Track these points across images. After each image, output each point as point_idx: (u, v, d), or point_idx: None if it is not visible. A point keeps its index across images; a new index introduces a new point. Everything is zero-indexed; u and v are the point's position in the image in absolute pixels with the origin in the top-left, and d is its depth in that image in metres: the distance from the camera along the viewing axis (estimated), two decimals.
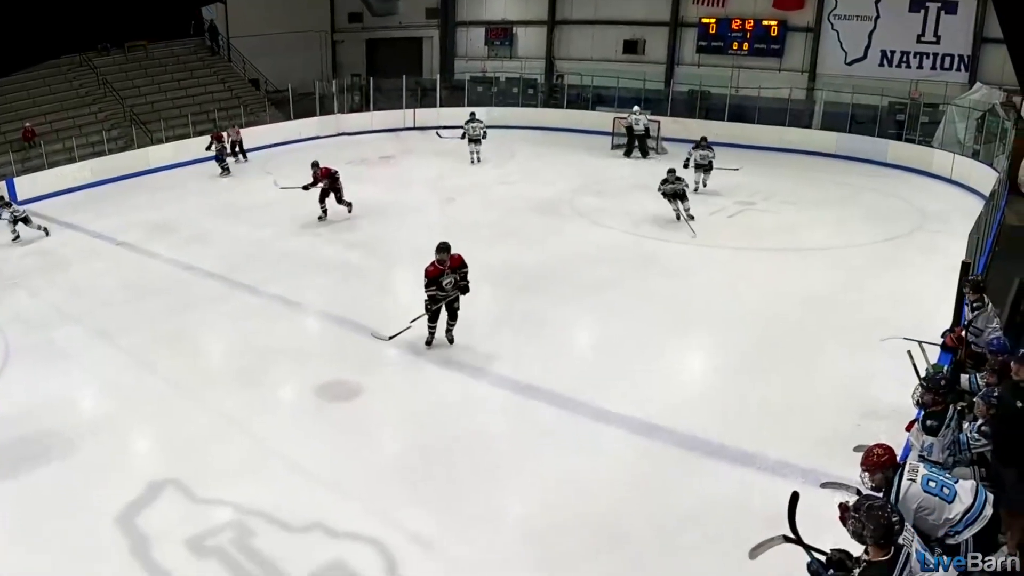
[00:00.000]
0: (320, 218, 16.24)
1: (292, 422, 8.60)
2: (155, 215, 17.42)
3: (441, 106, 24.52)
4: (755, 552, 4.72)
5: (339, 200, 16.24)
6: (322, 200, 16.10)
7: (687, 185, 15.71)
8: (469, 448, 7.76)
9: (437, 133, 23.47)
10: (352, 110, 25.22)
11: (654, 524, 6.67)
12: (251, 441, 8.23)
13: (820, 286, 12.20)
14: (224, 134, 22.15)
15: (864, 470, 4.77)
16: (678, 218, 15.53)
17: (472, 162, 21.19)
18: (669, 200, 15.48)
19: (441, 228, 14.68)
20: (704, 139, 18.00)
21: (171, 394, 9.40)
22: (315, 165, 16.27)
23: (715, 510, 6.85)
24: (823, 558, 4.38)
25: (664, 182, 15.42)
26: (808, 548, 4.46)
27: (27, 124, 21.85)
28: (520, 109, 24.94)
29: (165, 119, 23.84)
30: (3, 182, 18.54)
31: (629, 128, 22.05)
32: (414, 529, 6.56)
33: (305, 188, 16.04)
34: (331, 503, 7.01)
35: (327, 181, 16.02)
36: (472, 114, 21.49)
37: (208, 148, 21.60)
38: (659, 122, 22.91)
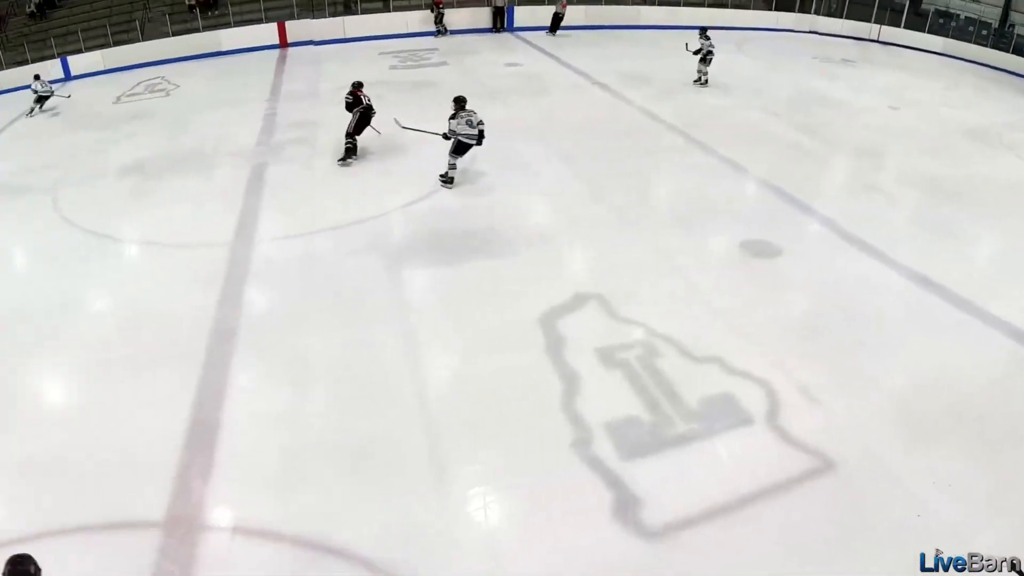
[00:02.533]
0: None
1: (715, 266, 8.79)
2: (635, 66, 18.49)
3: (904, 27, 23.54)
4: None
5: None
6: None
7: None
8: (862, 322, 7.54)
9: None
10: (827, 14, 25.31)
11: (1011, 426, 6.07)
12: (675, 275, 8.49)
13: None
14: None
15: None
16: None
17: None
18: None
19: (883, 131, 13.82)
20: None
21: (614, 222, 9.88)
22: None
23: None
24: None
25: None
26: None
27: None
28: (966, 44, 22.18)
29: None
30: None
31: None
32: (801, 380, 6.54)
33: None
34: (733, 343, 7.10)
35: None
36: None
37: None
38: None
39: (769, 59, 20.18)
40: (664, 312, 7.56)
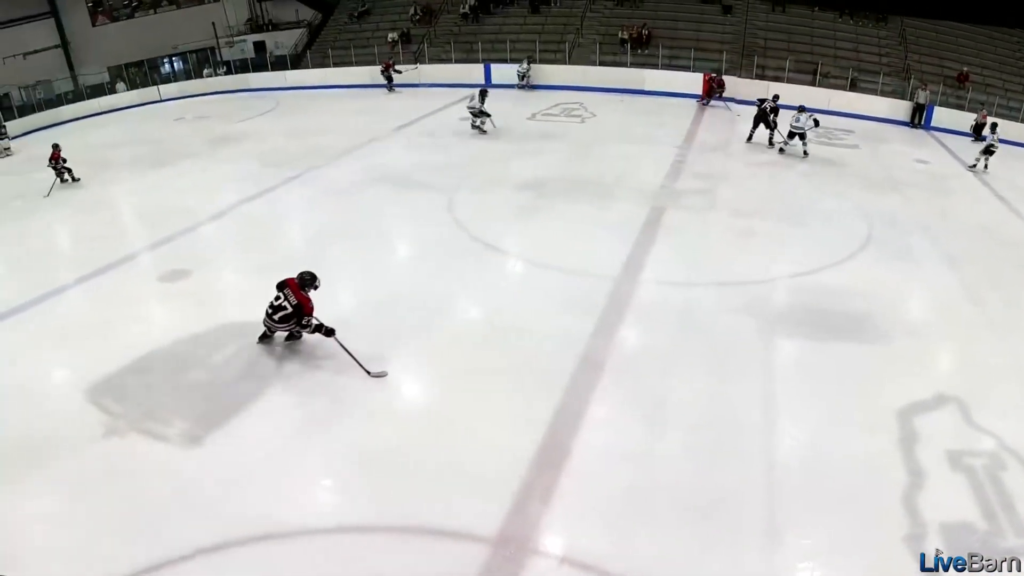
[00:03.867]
0: None
1: None
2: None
3: None
4: None
5: None
6: None
7: None
8: None
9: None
10: None
11: None
12: None
13: None
14: None
15: None
16: None
17: None
18: None
19: None
20: None
21: (987, 328, 9.54)
22: None
23: None
24: None
25: None
26: None
27: (965, 69, 23.64)
28: None
29: None
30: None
31: None
32: None
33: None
34: None
35: None
36: None
37: None
38: None
39: None
40: (1019, 426, 7.38)
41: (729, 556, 5.53)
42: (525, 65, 24.61)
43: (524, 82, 24.66)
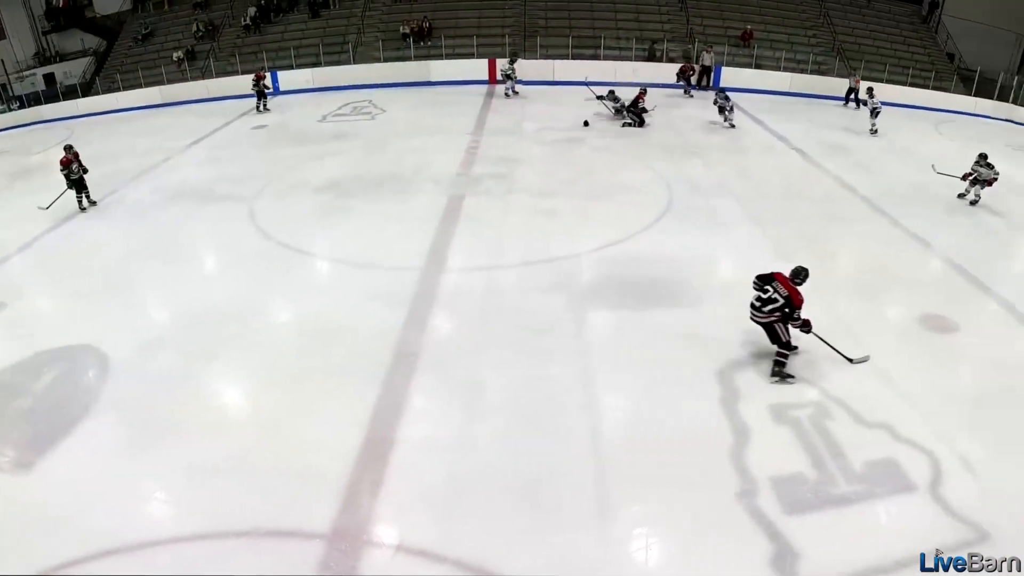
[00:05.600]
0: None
1: (891, 336, 8.80)
2: (831, 135, 18.38)
3: None
4: None
5: None
6: None
7: None
8: None
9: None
10: None
11: None
12: (853, 340, 8.34)
13: None
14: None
15: None
16: None
17: None
18: None
19: None
20: None
21: None
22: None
23: None
24: None
25: None
26: None
27: (749, 27, 24.89)
28: None
29: (868, 60, 24.84)
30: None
31: None
32: (965, 453, 6.54)
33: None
34: (903, 411, 7.14)
35: None
36: None
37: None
38: None
39: (965, 142, 19.17)
40: (838, 375, 7.69)
41: (560, 532, 5.62)
42: (508, 65, 22.31)
43: (509, 85, 22.24)
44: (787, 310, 7.56)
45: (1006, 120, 23.58)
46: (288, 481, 6.11)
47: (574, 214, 12.19)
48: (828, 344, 7.96)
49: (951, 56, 27.93)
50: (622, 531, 5.73)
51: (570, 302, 9.18)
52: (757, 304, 7.77)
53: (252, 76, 21.78)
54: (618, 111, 18.69)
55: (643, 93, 18.90)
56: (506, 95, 21.81)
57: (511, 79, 21.85)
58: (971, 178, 13.43)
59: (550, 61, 23.83)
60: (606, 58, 24.17)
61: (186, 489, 6.16)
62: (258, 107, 21.32)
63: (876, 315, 9.25)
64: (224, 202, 13.08)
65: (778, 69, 23.68)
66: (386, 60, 24.64)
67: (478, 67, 23.93)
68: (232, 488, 6.07)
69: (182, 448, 6.60)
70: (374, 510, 5.85)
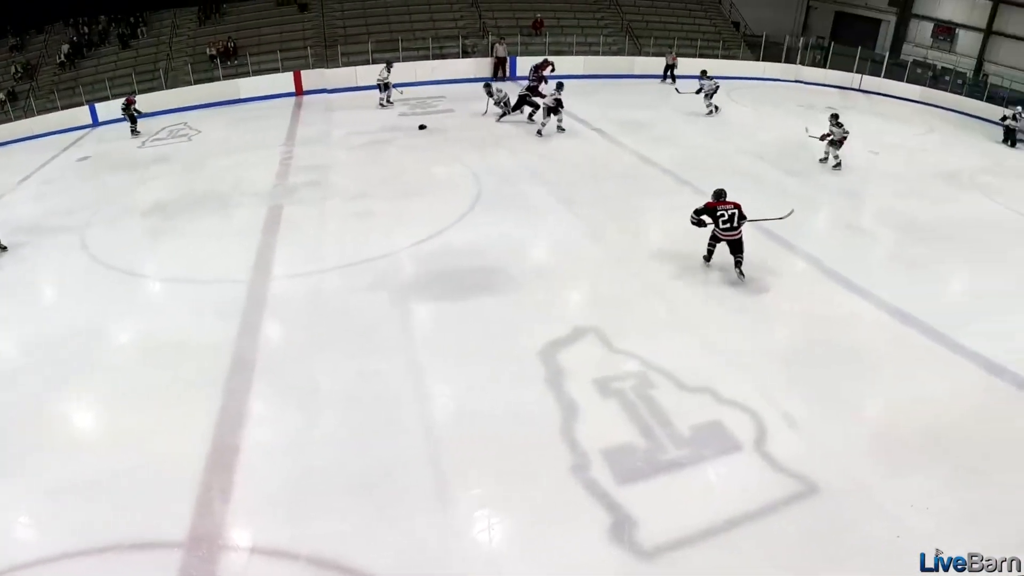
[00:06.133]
0: None
1: (706, 301, 9.23)
2: (629, 114, 19.23)
3: (885, 77, 24.89)
4: None
5: None
6: None
7: None
8: (843, 354, 7.99)
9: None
10: (811, 64, 26.98)
11: (984, 451, 6.44)
12: (669, 309, 9.00)
13: None
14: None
15: None
16: None
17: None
18: None
19: (864, 174, 14.59)
20: None
21: (610, 260, 10.37)
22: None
23: None
24: None
25: None
26: None
27: (539, 16, 25.54)
28: (942, 93, 23.76)
29: (656, 36, 26.26)
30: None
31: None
32: (786, 409, 6.94)
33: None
34: (722, 373, 7.51)
35: None
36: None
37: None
38: None
39: (756, 107, 20.95)
40: (658, 344, 7.96)
41: (403, 521, 5.77)
42: (385, 72, 21.24)
43: (387, 95, 21.19)
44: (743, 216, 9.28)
45: (795, 81, 25.64)
46: (145, 494, 6.18)
47: (389, 213, 12.25)
48: (760, 219, 9.60)
49: (736, 24, 29.72)
50: (464, 515, 5.86)
51: (392, 298, 9.30)
52: (728, 225, 9.27)
53: (123, 100, 20.72)
54: (505, 105, 18.50)
55: (544, 65, 19.37)
56: (381, 105, 21.05)
57: (389, 88, 21.19)
58: (828, 139, 14.36)
59: (352, 68, 23.87)
60: (406, 59, 24.18)
61: (44, 511, 6.17)
62: (132, 130, 20.34)
63: (688, 280, 9.62)
64: (56, 234, 12.58)
65: (571, 54, 24.47)
66: (197, 83, 23.96)
67: (284, 80, 23.91)
68: (93, 506, 6.11)
69: (42, 472, 6.54)
70: (226, 516, 5.97)
